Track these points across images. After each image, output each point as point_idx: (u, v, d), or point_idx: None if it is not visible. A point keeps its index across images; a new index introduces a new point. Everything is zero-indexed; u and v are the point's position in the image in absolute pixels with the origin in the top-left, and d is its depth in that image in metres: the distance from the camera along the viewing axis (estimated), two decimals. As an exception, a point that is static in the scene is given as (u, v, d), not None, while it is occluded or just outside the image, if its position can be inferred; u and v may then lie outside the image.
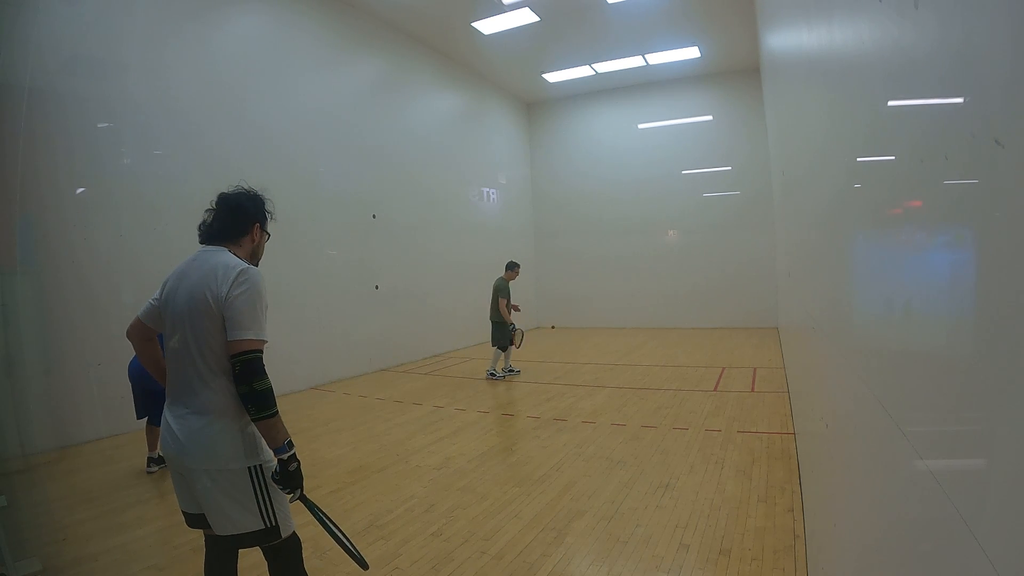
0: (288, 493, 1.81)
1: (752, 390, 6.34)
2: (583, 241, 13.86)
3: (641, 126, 13.20)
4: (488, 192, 12.73)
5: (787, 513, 3.13)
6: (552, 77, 12.49)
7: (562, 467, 4.13)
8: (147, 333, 1.99)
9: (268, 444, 1.79)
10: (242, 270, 1.80)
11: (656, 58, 11.43)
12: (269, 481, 1.81)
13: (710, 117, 12.52)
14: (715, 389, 6.47)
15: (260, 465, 1.81)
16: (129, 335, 2.00)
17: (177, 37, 6.26)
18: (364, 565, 1.91)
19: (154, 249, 5.93)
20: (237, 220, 2.00)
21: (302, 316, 7.62)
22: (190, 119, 6.36)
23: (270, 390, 1.76)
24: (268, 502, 1.81)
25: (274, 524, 1.83)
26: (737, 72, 11.89)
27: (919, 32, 0.75)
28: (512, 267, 7.77)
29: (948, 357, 0.71)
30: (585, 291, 13.85)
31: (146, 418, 4.50)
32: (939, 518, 0.71)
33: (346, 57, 8.73)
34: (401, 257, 9.58)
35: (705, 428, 4.90)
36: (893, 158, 0.92)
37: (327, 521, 1.93)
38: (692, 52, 11.14)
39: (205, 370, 1.76)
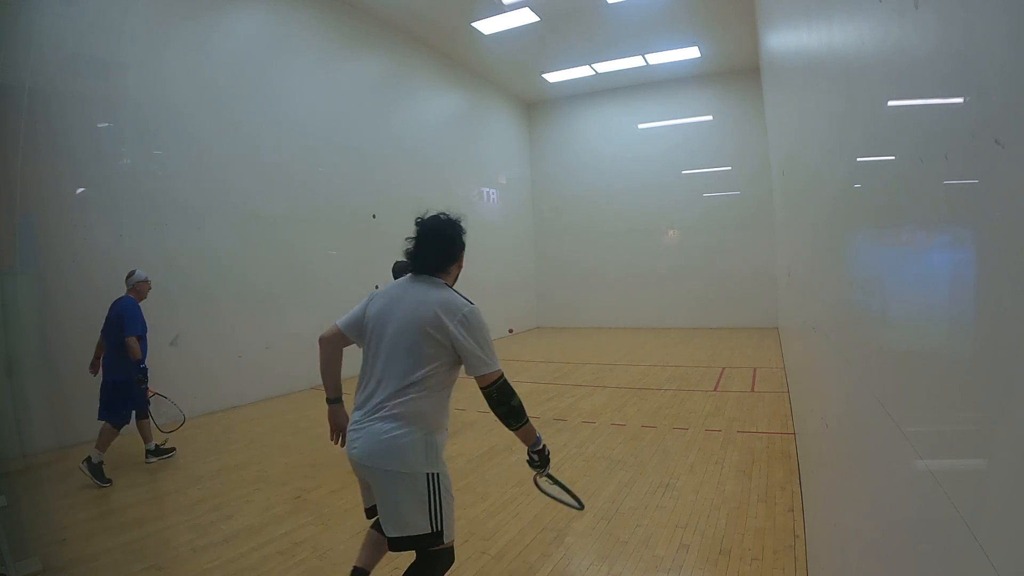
0: (543, 472, 2.20)
1: (752, 390, 6.34)
2: (583, 241, 13.86)
3: (641, 126, 13.19)
4: (488, 192, 12.73)
5: (787, 513, 3.13)
6: (552, 77, 12.48)
7: (562, 467, 4.13)
8: (344, 342, 2.15)
9: (525, 443, 2.12)
10: (469, 311, 2.00)
11: (656, 58, 11.42)
12: (443, 489, 1.95)
13: (710, 117, 12.51)
14: (715, 389, 6.47)
15: (438, 474, 1.94)
16: (323, 341, 2.15)
17: (177, 37, 6.26)
18: (581, 505, 2.36)
19: (154, 249, 5.94)
20: (449, 251, 2.13)
21: (302, 316, 7.62)
22: (190, 119, 6.36)
23: (521, 404, 2.06)
24: (439, 508, 1.93)
25: (439, 529, 1.93)
26: (737, 72, 11.89)
27: (919, 32, 0.75)
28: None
29: (948, 357, 0.71)
30: (585, 291, 13.84)
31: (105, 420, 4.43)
32: (939, 518, 0.71)
33: (346, 57, 8.73)
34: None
35: (705, 428, 4.89)
36: (893, 158, 0.92)
37: (564, 486, 2.34)
38: (692, 52, 11.14)
39: (407, 384, 1.91)
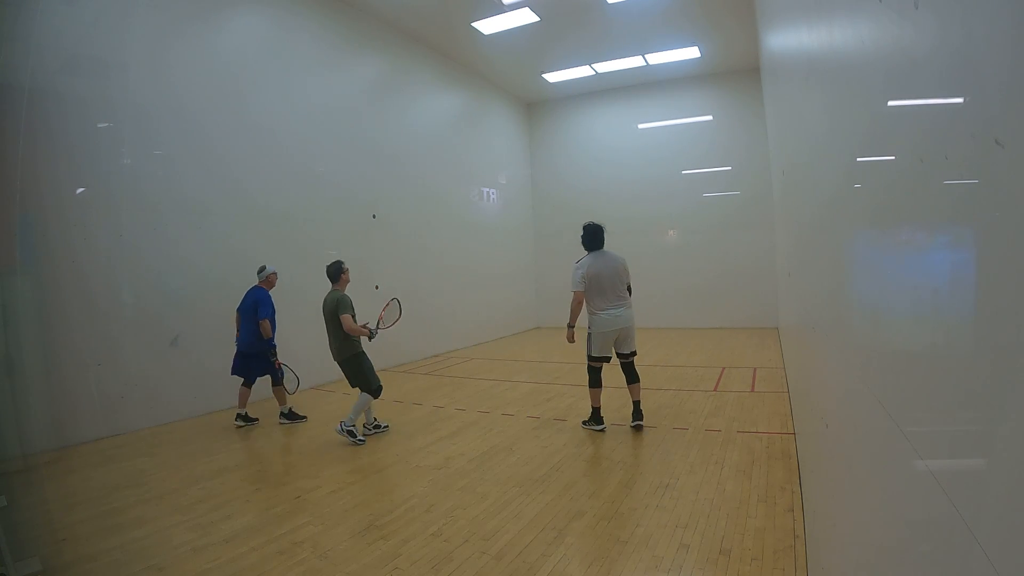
0: None
1: (752, 390, 6.34)
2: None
3: (641, 126, 13.18)
4: (488, 192, 12.72)
5: (787, 513, 3.13)
6: (552, 77, 12.48)
7: (562, 467, 4.13)
8: (583, 298, 4.80)
9: None
10: (624, 258, 4.98)
11: (656, 58, 11.42)
12: None
13: (710, 117, 12.51)
14: (715, 389, 6.47)
15: None
16: (579, 303, 4.83)
17: (178, 37, 6.26)
18: None
19: (154, 249, 5.94)
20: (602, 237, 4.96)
21: (301, 316, 7.61)
22: (190, 119, 6.36)
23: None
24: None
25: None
26: (737, 72, 11.88)
27: (919, 32, 0.75)
28: (341, 271, 5.18)
29: (948, 357, 0.71)
30: (585, 291, 13.81)
31: (242, 379, 5.76)
32: (939, 518, 0.71)
33: (346, 57, 8.73)
34: (401, 257, 9.57)
35: (705, 428, 4.90)
36: (893, 158, 0.92)
37: None
38: (692, 52, 11.13)
39: (623, 290, 4.85)
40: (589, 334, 4.90)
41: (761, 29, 7.45)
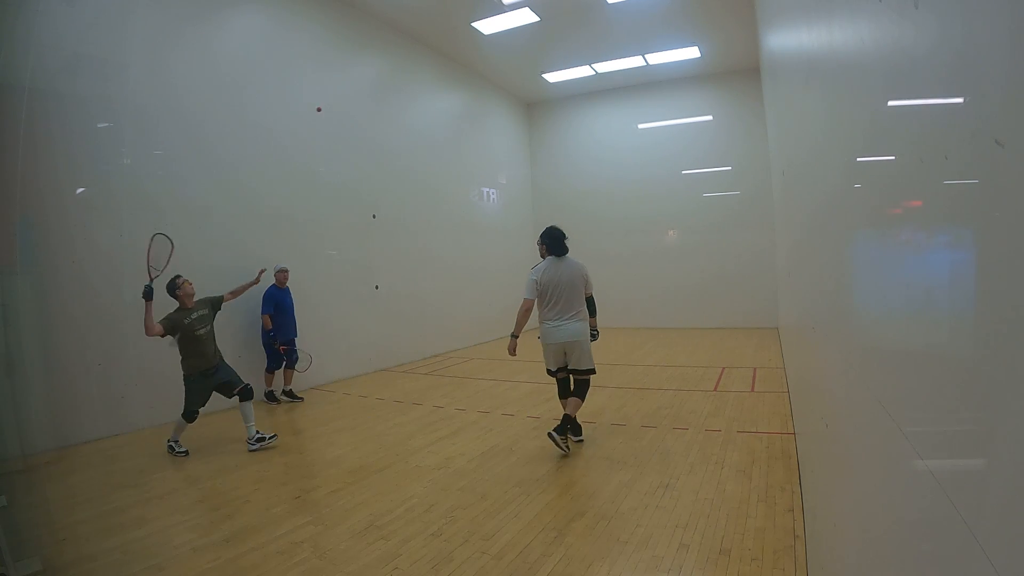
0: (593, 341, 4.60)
1: (752, 390, 6.34)
2: (583, 241, 13.66)
3: (641, 126, 13.18)
4: (488, 192, 12.72)
5: (787, 513, 3.13)
6: (552, 77, 12.47)
7: (562, 467, 4.13)
8: (532, 305, 4.46)
9: (593, 326, 4.61)
10: (584, 267, 4.53)
11: (656, 58, 11.42)
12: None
13: (710, 117, 12.50)
14: (715, 389, 6.47)
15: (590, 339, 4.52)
16: (526, 310, 4.45)
17: (178, 37, 6.26)
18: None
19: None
20: (565, 242, 4.53)
21: (302, 316, 7.61)
22: (191, 119, 6.36)
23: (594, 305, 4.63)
24: (591, 356, 4.48)
25: (593, 366, 4.51)
26: (737, 72, 11.88)
27: (919, 32, 0.75)
28: (176, 287, 4.96)
29: (948, 357, 0.71)
30: (585, 291, 13.81)
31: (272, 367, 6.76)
32: (939, 518, 0.71)
33: (346, 57, 8.73)
34: (401, 257, 9.57)
35: (705, 428, 4.90)
36: (893, 158, 0.92)
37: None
38: (692, 52, 11.13)
39: (577, 303, 4.40)
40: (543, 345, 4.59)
41: (761, 29, 7.45)
